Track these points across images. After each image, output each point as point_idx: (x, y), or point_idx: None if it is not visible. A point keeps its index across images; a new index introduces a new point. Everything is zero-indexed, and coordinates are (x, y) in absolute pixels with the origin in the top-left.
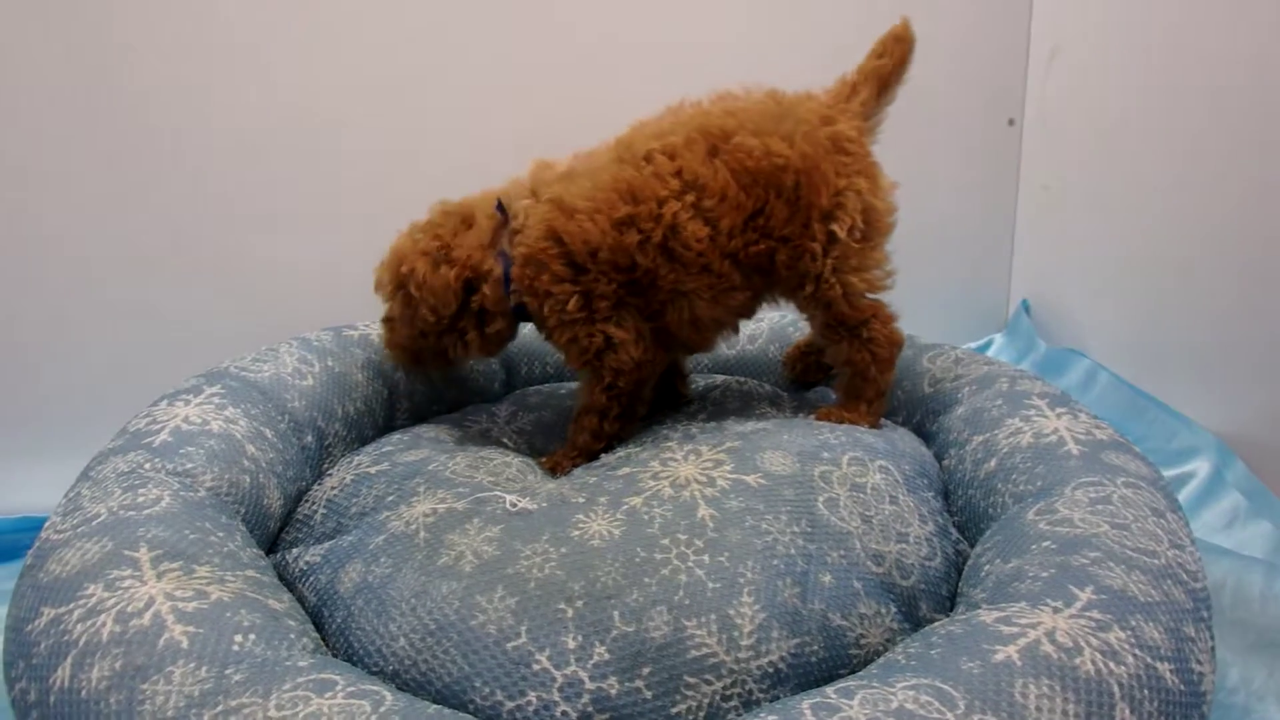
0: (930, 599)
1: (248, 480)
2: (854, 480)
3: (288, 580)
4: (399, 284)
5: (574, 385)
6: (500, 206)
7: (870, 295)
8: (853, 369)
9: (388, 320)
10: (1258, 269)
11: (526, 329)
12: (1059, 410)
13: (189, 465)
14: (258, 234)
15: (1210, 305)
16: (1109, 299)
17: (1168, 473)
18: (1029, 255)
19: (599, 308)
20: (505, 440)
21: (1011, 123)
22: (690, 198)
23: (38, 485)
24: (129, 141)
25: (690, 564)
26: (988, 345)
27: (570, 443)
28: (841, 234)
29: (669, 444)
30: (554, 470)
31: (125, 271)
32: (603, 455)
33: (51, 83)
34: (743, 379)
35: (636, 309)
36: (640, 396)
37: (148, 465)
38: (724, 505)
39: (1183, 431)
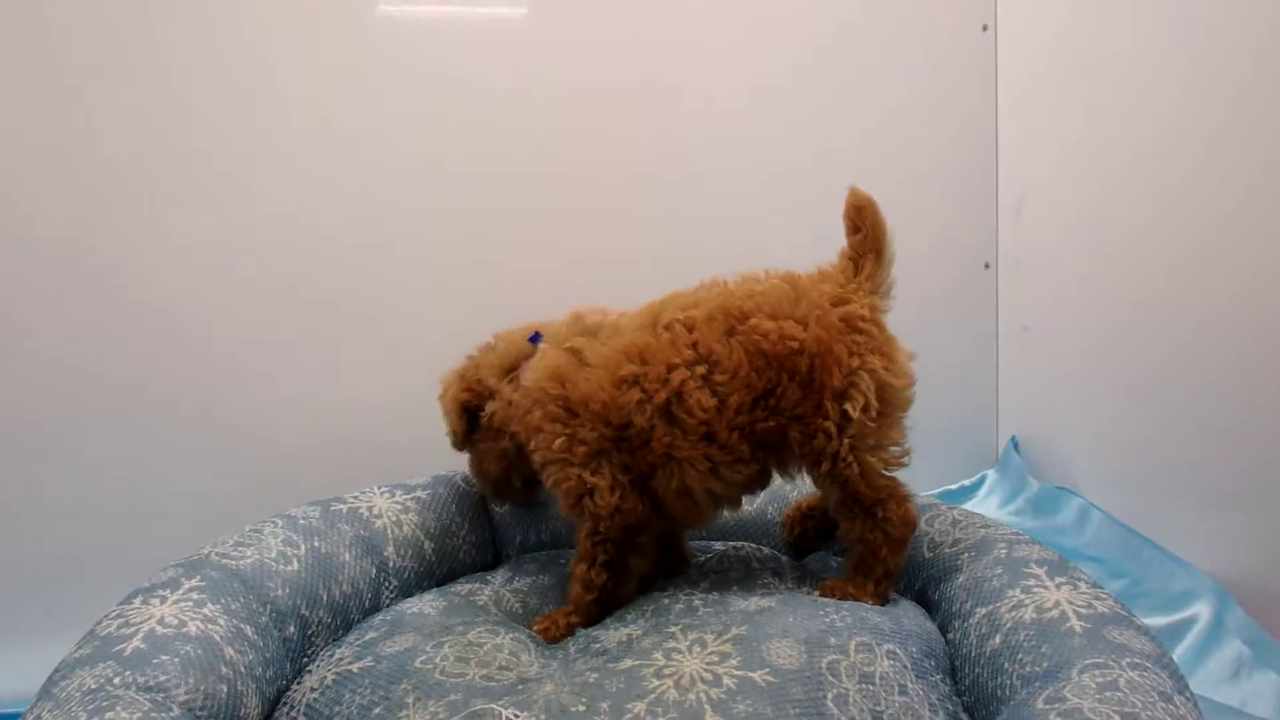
0: None
1: (225, 690)
2: (862, 670)
3: None
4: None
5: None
6: (535, 338)
7: (886, 473)
8: (865, 547)
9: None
10: (1243, 405)
11: None
12: (1058, 580)
13: (162, 678)
14: (241, 397)
15: (1197, 443)
16: (1095, 435)
17: (1168, 619)
18: (1014, 393)
19: (577, 452)
20: (495, 607)
21: (987, 266)
22: (701, 369)
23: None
24: (103, 312)
25: None
26: (981, 481)
27: (569, 597)
28: (855, 413)
29: (672, 630)
30: (545, 633)
31: (99, 437)
32: (602, 634)
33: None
34: (740, 544)
35: (623, 465)
36: (630, 547)
37: (117, 680)
38: (731, 710)
39: (1179, 574)
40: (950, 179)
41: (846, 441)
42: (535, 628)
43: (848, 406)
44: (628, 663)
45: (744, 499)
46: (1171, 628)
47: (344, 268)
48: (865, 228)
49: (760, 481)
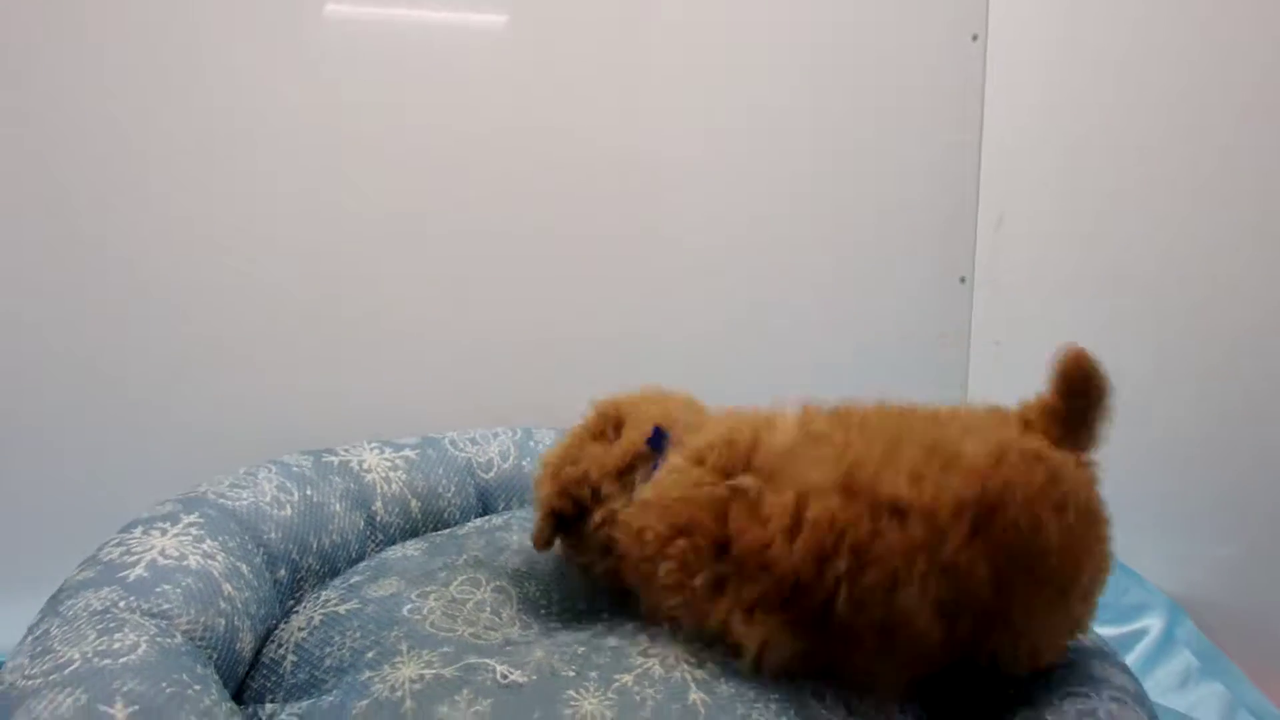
0: None
1: (223, 624)
2: None
3: None
4: None
5: None
6: (658, 437)
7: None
8: None
9: None
10: (1206, 429)
11: None
12: None
13: (165, 606)
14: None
15: (1160, 465)
16: None
17: (1120, 629)
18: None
19: None
20: (478, 535)
21: (963, 280)
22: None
23: None
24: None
25: None
26: None
27: None
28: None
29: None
30: None
31: (82, 381)
32: (585, 621)
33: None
34: None
35: None
36: None
37: (122, 604)
38: (715, 689)
39: (1134, 588)
40: (930, 190)
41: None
42: None
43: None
44: (613, 641)
45: None
46: (1124, 637)
47: (312, 271)
48: (1092, 395)
49: None
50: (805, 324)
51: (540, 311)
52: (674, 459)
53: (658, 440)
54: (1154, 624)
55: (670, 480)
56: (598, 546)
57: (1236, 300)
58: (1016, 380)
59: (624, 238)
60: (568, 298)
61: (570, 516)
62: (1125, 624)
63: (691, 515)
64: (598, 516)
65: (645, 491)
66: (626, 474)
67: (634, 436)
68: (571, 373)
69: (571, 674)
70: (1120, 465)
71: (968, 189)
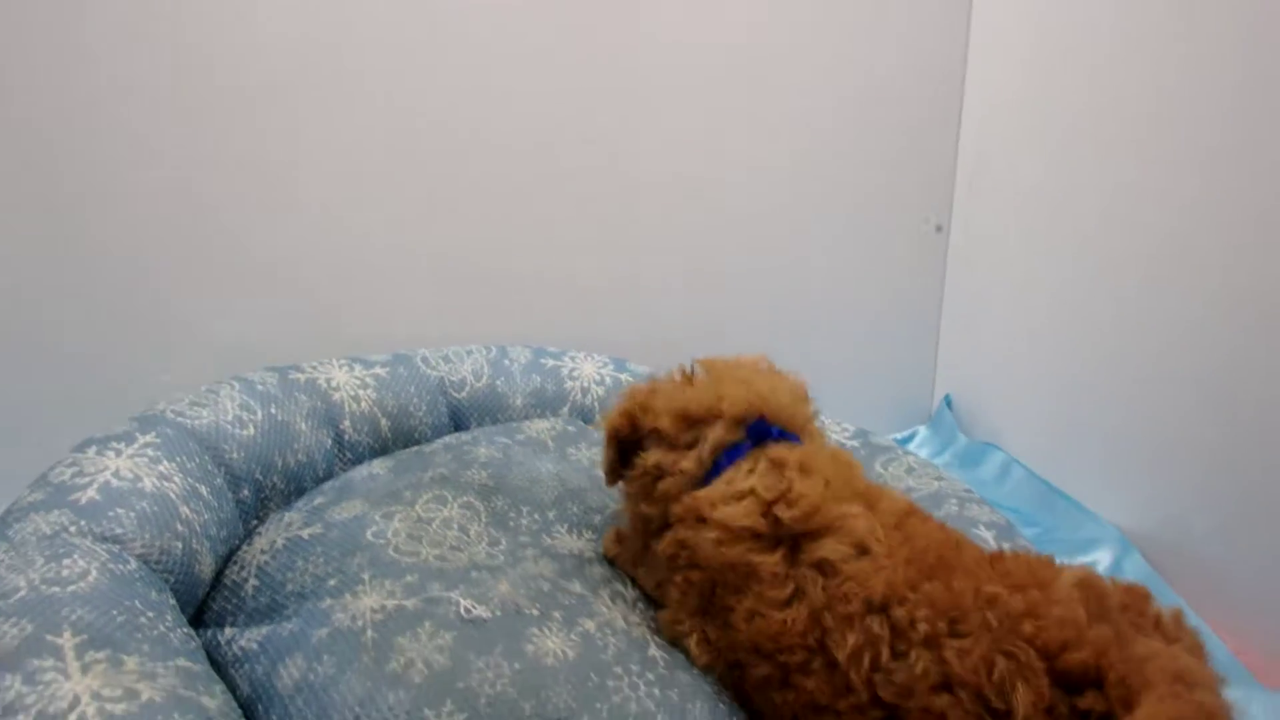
0: None
1: (180, 547)
2: None
3: (219, 663)
4: None
5: (523, 424)
6: (771, 431)
7: None
8: None
9: None
10: (1157, 379)
11: None
12: (1004, 545)
13: (118, 530)
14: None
15: (1115, 409)
16: (1025, 397)
17: (1072, 560)
18: (952, 353)
19: None
20: (445, 451)
21: (939, 229)
22: None
23: None
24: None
25: (641, 694)
26: (912, 436)
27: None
28: None
29: (618, 585)
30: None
31: (44, 285)
32: (554, 536)
33: None
34: None
35: None
36: None
37: (73, 528)
38: (673, 650)
39: (1088, 524)
40: (910, 138)
41: None
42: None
43: None
44: (578, 587)
45: None
46: None
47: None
48: None
49: None
50: (779, 268)
51: (525, 242)
52: (753, 476)
53: (771, 434)
54: (1103, 557)
55: (728, 513)
56: (640, 490)
57: (1197, 265)
58: (986, 329)
59: (603, 180)
60: (549, 234)
61: (628, 442)
62: (1078, 556)
63: (723, 562)
64: (650, 458)
65: (709, 491)
66: (694, 426)
67: (713, 398)
68: (554, 314)
69: (535, 613)
70: (1080, 409)
71: (948, 138)
